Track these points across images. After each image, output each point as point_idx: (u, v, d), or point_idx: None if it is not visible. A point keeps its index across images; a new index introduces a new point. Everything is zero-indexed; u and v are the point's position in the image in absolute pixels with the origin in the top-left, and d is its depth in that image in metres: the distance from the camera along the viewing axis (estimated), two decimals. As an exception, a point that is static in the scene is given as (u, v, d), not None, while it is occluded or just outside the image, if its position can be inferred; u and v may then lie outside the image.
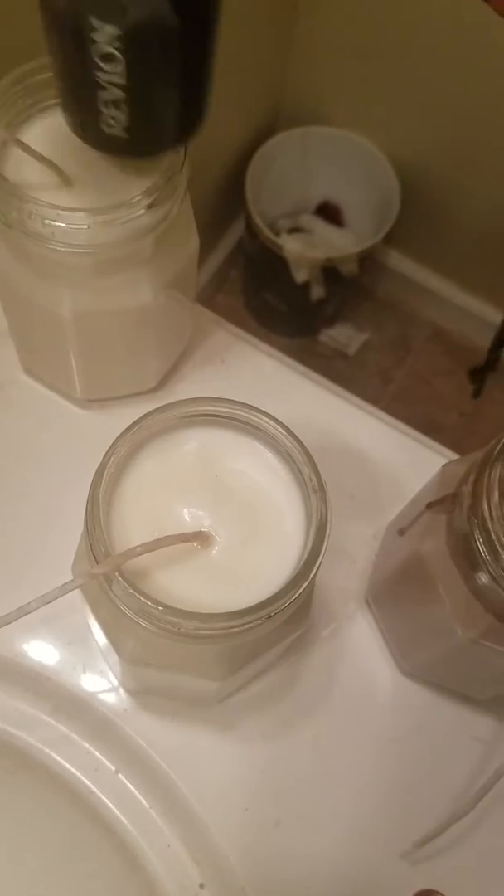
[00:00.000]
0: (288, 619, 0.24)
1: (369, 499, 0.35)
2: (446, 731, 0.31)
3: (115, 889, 0.32)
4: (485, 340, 1.20)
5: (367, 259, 1.06)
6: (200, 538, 0.22)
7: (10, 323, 0.33)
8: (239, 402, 0.24)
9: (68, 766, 0.31)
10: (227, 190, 1.05)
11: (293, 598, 0.21)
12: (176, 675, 0.25)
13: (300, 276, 1.03)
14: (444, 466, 0.28)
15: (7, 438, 0.35)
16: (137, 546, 0.21)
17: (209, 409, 0.24)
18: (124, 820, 0.30)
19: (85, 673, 0.31)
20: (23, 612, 0.21)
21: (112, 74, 0.21)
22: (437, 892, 0.29)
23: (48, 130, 0.27)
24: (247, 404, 0.24)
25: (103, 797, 0.30)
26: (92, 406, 0.36)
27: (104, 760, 0.31)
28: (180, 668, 0.24)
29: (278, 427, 0.23)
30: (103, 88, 0.21)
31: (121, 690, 0.31)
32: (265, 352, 0.38)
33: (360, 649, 0.32)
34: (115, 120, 0.22)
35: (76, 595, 0.31)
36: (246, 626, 0.21)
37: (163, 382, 0.36)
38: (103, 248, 0.26)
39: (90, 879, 0.33)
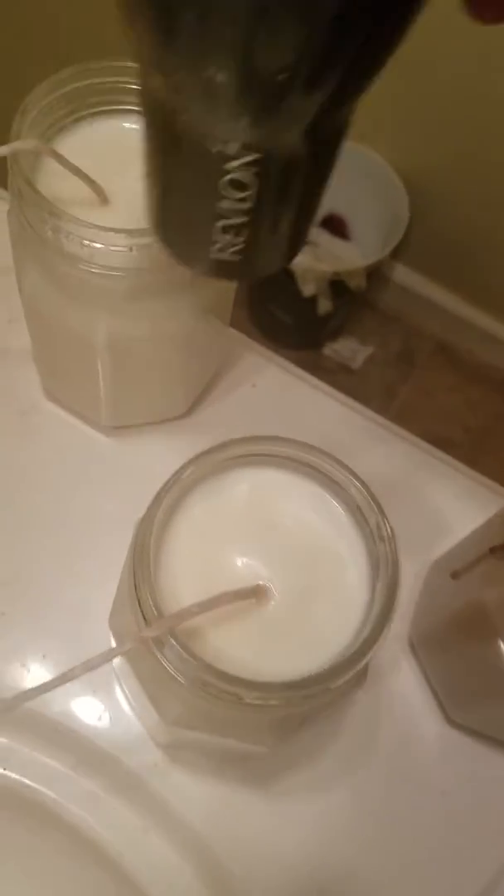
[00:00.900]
0: (348, 686, 0.22)
1: (411, 534, 0.33)
2: (498, 785, 0.29)
3: None
4: (490, 355, 1.19)
5: (373, 272, 1.05)
6: (258, 593, 0.20)
7: (34, 346, 0.31)
8: (295, 441, 0.22)
9: (94, 824, 0.29)
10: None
11: (361, 664, 0.19)
12: (220, 739, 0.23)
13: (307, 289, 1.02)
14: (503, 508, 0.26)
15: (29, 467, 0.33)
16: (193, 606, 0.19)
17: (263, 448, 0.22)
18: (154, 882, 0.28)
19: (111, 724, 0.29)
20: (65, 678, 0.19)
21: (238, 202, 0.18)
22: None
23: (84, 142, 0.25)
24: (304, 443, 0.22)
25: (132, 858, 0.28)
26: (118, 433, 0.34)
27: (133, 818, 0.28)
28: (228, 733, 0.22)
29: (340, 468, 0.21)
30: (224, 217, 0.19)
31: (151, 743, 0.29)
32: (297, 375, 0.36)
33: (403, 697, 0.30)
34: (229, 246, 0.20)
35: (101, 640, 0.29)
36: (308, 696, 0.19)
37: (192, 408, 0.34)
38: (143, 273, 0.24)
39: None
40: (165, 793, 0.28)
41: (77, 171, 0.23)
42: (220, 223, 0.19)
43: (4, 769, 0.29)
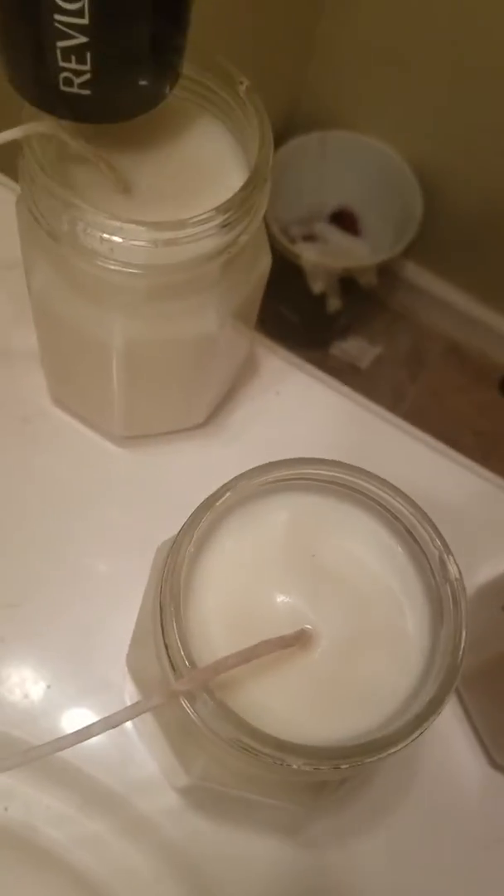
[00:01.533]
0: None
1: (456, 554, 0.31)
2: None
3: None
4: (502, 356, 1.16)
5: (384, 270, 1.02)
6: (302, 639, 0.18)
7: (42, 348, 0.28)
8: (343, 464, 0.19)
9: (99, 868, 0.26)
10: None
11: (426, 727, 0.16)
12: (250, 796, 0.21)
13: (317, 286, 0.99)
14: None
15: (34, 478, 0.30)
16: (229, 657, 0.16)
17: (306, 471, 0.19)
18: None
19: (122, 764, 0.27)
20: (84, 735, 0.16)
21: (74, 15, 0.17)
22: None
23: (103, 125, 0.22)
24: (353, 466, 0.19)
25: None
26: (130, 443, 0.31)
27: (143, 865, 0.26)
28: (259, 791, 0.20)
29: (394, 494, 0.19)
30: (64, 36, 0.17)
31: (165, 786, 0.26)
32: (323, 381, 0.34)
33: (442, 737, 0.28)
34: (76, 75, 0.18)
35: (111, 671, 0.27)
36: (359, 763, 0.16)
37: (210, 417, 0.31)
38: (167, 271, 0.21)
39: None
40: (180, 839, 0.26)
41: (97, 156, 0.21)
42: (60, 44, 0.17)
43: (6, 809, 0.27)
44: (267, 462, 0.19)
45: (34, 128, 0.19)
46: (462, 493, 0.32)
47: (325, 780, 0.19)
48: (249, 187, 0.21)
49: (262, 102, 0.22)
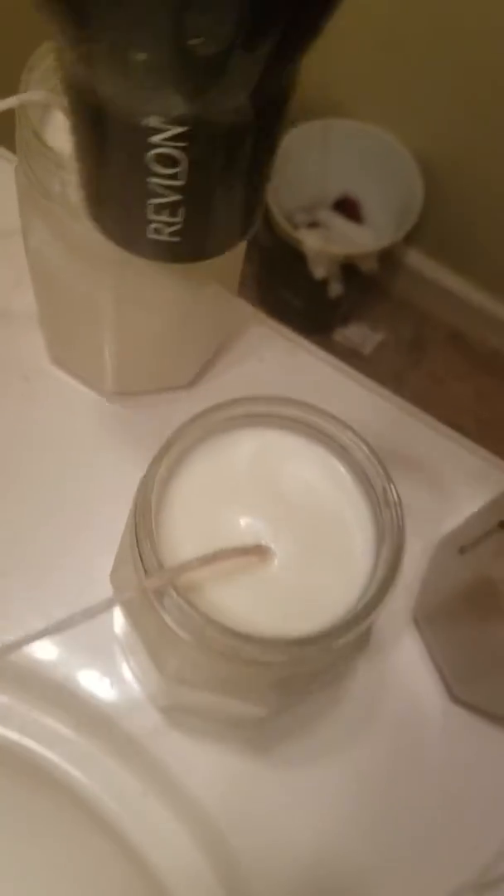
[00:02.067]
0: (349, 650, 0.22)
1: (418, 510, 0.33)
2: (501, 764, 0.29)
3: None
4: (503, 342, 1.18)
5: (386, 257, 1.04)
6: (260, 552, 0.20)
7: (40, 308, 0.31)
8: (303, 403, 0.21)
9: (91, 785, 0.29)
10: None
11: (365, 625, 0.19)
12: (220, 698, 0.23)
13: (319, 272, 1.01)
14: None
15: (32, 432, 0.33)
16: (194, 559, 0.19)
17: (269, 409, 0.21)
18: (150, 846, 0.28)
19: (111, 688, 0.29)
20: (65, 625, 0.19)
21: (169, 178, 0.17)
22: (488, 939, 0.27)
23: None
24: (312, 405, 0.21)
25: (129, 821, 0.28)
26: (121, 400, 0.33)
27: (131, 781, 0.28)
28: (228, 691, 0.22)
29: (348, 432, 0.21)
30: (156, 195, 0.18)
31: (151, 707, 0.29)
32: (307, 349, 0.36)
33: (407, 672, 0.30)
34: (166, 226, 0.19)
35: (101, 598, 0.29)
36: (310, 655, 0.19)
37: (196, 379, 0.34)
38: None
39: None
40: (165, 757, 0.28)
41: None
42: (153, 202, 0.18)
43: (4, 728, 0.29)
44: (234, 398, 0.21)
45: (31, 97, 0.22)
46: (432, 454, 0.34)
47: (286, 683, 0.22)
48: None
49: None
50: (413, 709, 0.30)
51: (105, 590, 0.28)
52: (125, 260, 0.25)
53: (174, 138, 0.16)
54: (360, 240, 1.08)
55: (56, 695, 0.29)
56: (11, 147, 0.34)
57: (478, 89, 0.90)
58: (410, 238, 1.06)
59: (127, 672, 0.29)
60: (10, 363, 0.33)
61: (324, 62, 0.98)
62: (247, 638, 0.18)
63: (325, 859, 0.28)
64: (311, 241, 0.98)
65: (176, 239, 0.19)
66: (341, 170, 1.08)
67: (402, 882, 0.27)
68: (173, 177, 0.17)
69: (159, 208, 0.18)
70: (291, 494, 0.21)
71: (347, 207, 1.11)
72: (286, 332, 0.36)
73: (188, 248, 0.20)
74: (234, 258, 0.29)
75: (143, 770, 0.29)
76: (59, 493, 0.32)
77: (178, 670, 0.22)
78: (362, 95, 1.01)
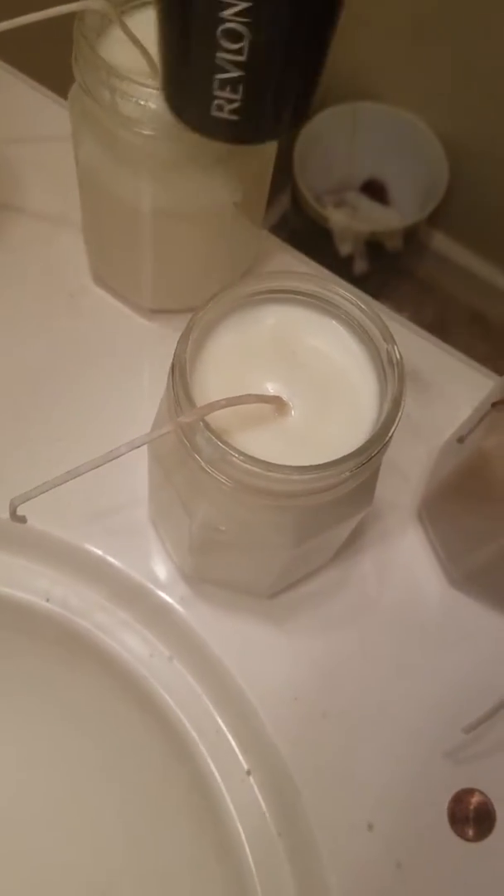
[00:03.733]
0: (354, 495, 0.25)
1: (424, 419, 0.36)
2: (495, 642, 0.32)
3: (162, 776, 0.33)
4: (525, 325, 1.19)
5: (411, 238, 1.06)
6: (278, 403, 0.23)
7: (85, 223, 0.34)
8: (317, 277, 0.24)
9: (123, 651, 0.32)
10: (273, 164, 1.05)
11: (371, 456, 0.22)
12: (243, 548, 0.26)
13: (344, 248, 1.04)
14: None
15: (75, 343, 0.36)
16: (222, 399, 0.22)
17: (289, 284, 0.24)
18: (175, 706, 0.31)
19: (145, 561, 0.32)
20: (111, 455, 0.22)
21: (233, 53, 0.19)
22: (478, 791, 0.30)
23: (151, 22, 0.28)
24: (326, 279, 0.24)
25: (156, 683, 0.31)
26: (157, 318, 0.37)
27: (160, 646, 0.32)
28: (250, 533, 0.25)
29: (358, 302, 0.24)
30: (221, 70, 0.20)
31: (179, 580, 0.32)
32: (321, 273, 0.39)
33: (410, 560, 0.33)
34: (227, 103, 0.21)
35: (137, 489, 0.33)
36: (322, 482, 0.22)
37: (226, 299, 0.37)
38: (189, 134, 0.26)
39: (138, 766, 0.34)
40: (190, 624, 0.32)
41: (135, 41, 0.26)
42: (218, 76, 0.20)
43: (48, 600, 0.33)
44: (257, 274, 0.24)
45: (90, 4, 0.25)
46: (437, 370, 0.37)
47: (300, 523, 0.25)
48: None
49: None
50: (414, 590, 0.33)
51: (141, 498, 0.31)
52: (165, 170, 0.28)
53: (240, 13, 0.19)
54: (385, 221, 1.10)
55: (94, 570, 0.33)
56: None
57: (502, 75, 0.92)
58: (435, 220, 1.08)
59: (159, 552, 0.33)
60: (59, 280, 0.37)
61: (354, 47, 1.01)
62: (265, 464, 0.21)
63: (332, 714, 0.31)
64: (336, 218, 1.01)
65: (235, 117, 0.22)
66: (369, 153, 1.11)
67: (403, 738, 0.30)
68: (238, 52, 0.19)
69: (223, 84, 0.21)
70: (307, 360, 0.24)
71: (375, 190, 1.14)
72: (307, 260, 0.39)
73: (245, 127, 0.22)
74: (265, 170, 0.32)
75: (171, 637, 0.32)
76: (102, 400, 0.35)
77: (205, 515, 0.25)
78: (392, 80, 1.03)
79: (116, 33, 0.27)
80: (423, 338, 0.38)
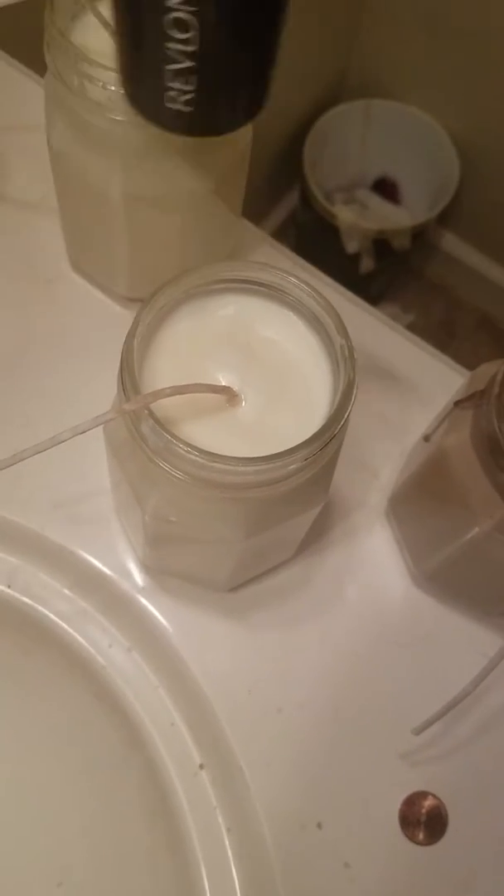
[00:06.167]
0: (307, 490, 0.25)
1: (400, 419, 0.35)
2: (455, 643, 0.32)
3: (116, 767, 0.33)
4: (533, 329, 1.18)
5: (420, 237, 1.05)
6: (228, 394, 0.23)
7: (62, 211, 0.34)
8: (274, 267, 0.24)
9: (83, 640, 0.32)
10: (283, 159, 1.05)
11: (318, 449, 0.21)
12: (195, 540, 0.26)
13: (351, 246, 1.03)
14: (475, 370, 0.28)
15: (50, 329, 0.36)
16: (168, 387, 0.22)
17: (247, 274, 0.24)
18: (132, 697, 0.31)
19: (108, 551, 0.32)
20: (55, 441, 0.22)
21: (183, 43, 0.19)
22: (431, 794, 0.29)
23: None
24: (282, 269, 0.24)
25: (114, 673, 0.31)
26: (133, 306, 0.37)
27: (119, 637, 0.31)
28: (200, 525, 0.25)
29: (314, 294, 0.24)
30: (172, 60, 0.20)
31: (141, 571, 0.32)
32: (301, 266, 0.39)
33: (375, 558, 0.33)
34: (180, 94, 0.21)
35: (103, 478, 0.32)
36: (270, 473, 0.21)
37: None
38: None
39: (94, 756, 0.34)
40: (150, 615, 0.31)
41: (107, 25, 0.26)
42: (170, 67, 0.20)
43: (9, 586, 0.33)
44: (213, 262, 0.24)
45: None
46: (414, 370, 0.37)
47: (252, 515, 0.24)
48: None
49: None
50: (378, 589, 0.32)
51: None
52: (135, 156, 0.28)
53: (187, 2, 0.18)
54: (396, 220, 1.09)
55: (57, 558, 0.32)
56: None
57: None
58: (445, 220, 1.07)
59: (122, 543, 0.33)
60: (36, 267, 0.37)
61: (368, 45, 1.00)
62: (212, 455, 0.21)
63: (284, 707, 0.30)
64: (344, 215, 1.01)
65: (189, 109, 0.22)
66: (381, 150, 1.10)
67: (358, 737, 0.30)
68: (186, 42, 0.19)
69: (174, 75, 0.20)
70: (262, 352, 0.24)
71: (386, 188, 1.13)
72: (289, 252, 0.39)
73: (200, 119, 0.22)
74: (240, 162, 0.31)
75: (131, 628, 0.32)
76: (74, 387, 0.35)
77: (156, 506, 0.25)
78: (405, 78, 1.03)
79: (89, 18, 0.27)
80: (401, 335, 0.37)
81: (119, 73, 0.23)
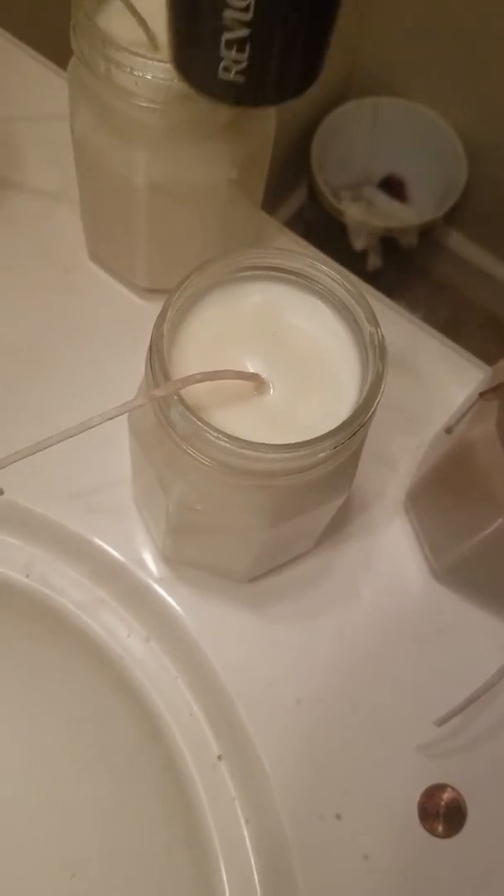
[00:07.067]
0: (332, 479, 0.25)
1: (418, 412, 0.35)
2: (474, 637, 0.31)
3: (133, 757, 0.33)
4: (539, 329, 1.18)
5: (427, 236, 1.05)
6: (257, 380, 0.23)
7: (82, 199, 0.34)
8: (303, 254, 0.24)
9: (101, 630, 0.32)
10: (291, 156, 1.05)
11: (348, 437, 0.21)
12: (219, 529, 0.26)
13: (358, 243, 1.03)
14: (498, 362, 0.28)
15: (69, 319, 0.36)
16: (197, 373, 0.21)
17: (275, 261, 0.24)
18: (150, 687, 0.31)
19: (126, 541, 0.32)
20: (85, 426, 0.22)
21: (241, 11, 0.20)
22: (450, 787, 0.29)
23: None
24: (312, 257, 0.24)
25: (132, 664, 0.31)
26: (152, 297, 0.36)
27: (138, 627, 0.31)
28: (225, 514, 0.25)
29: (343, 282, 0.24)
30: (228, 28, 0.20)
31: (160, 561, 0.32)
32: (321, 261, 0.39)
33: (394, 551, 0.33)
34: (234, 63, 0.21)
35: (121, 469, 0.32)
36: (298, 461, 0.21)
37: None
38: (184, 106, 0.26)
39: (112, 747, 0.34)
40: (169, 605, 0.31)
41: (134, 11, 0.26)
42: (225, 36, 0.20)
43: (27, 576, 0.32)
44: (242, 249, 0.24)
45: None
46: (436, 364, 0.36)
47: (277, 503, 0.24)
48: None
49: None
50: (396, 582, 0.32)
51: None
52: (160, 143, 0.28)
53: None
54: (403, 218, 1.09)
55: (76, 548, 0.32)
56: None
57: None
58: (453, 221, 1.07)
59: (141, 533, 0.32)
60: (55, 255, 0.37)
61: (377, 42, 1.00)
62: (241, 442, 0.21)
63: (306, 701, 0.30)
64: (351, 212, 1.00)
65: (241, 79, 0.22)
66: (389, 148, 1.10)
67: (376, 730, 0.30)
68: (244, 10, 0.20)
69: (229, 44, 0.21)
70: (289, 340, 0.24)
71: (393, 186, 1.13)
72: (304, 243, 0.39)
73: (251, 89, 0.22)
74: (264, 149, 0.31)
75: (149, 618, 0.32)
76: (92, 376, 0.35)
77: (181, 494, 0.25)
78: (414, 76, 1.03)
79: (116, 4, 0.27)
80: (419, 328, 0.37)
81: (170, 43, 0.23)
